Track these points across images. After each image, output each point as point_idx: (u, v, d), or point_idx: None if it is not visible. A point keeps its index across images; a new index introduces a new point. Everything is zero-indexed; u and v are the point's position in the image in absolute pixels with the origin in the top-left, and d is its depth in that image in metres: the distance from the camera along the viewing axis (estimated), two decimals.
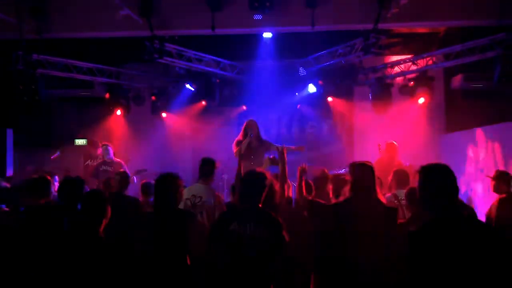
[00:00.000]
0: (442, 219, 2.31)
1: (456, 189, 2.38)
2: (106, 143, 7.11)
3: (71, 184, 3.91)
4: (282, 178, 4.24)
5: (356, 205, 3.30)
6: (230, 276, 3.15)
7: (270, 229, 3.14)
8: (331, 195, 4.13)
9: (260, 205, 3.30)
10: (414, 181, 6.32)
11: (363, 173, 3.36)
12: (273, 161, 4.41)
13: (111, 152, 7.08)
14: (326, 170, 4.96)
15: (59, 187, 4.01)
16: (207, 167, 4.61)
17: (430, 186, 2.39)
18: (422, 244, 2.26)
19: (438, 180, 2.39)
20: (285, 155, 4.39)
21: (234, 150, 5.96)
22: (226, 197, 7.91)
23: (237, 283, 3.12)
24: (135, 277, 3.19)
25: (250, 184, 3.36)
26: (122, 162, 6.94)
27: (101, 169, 6.87)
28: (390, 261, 3.08)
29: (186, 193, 4.34)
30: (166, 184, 3.47)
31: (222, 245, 3.19)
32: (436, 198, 2.35)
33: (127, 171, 6.04)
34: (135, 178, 6.58)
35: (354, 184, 3.37)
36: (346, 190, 3.45)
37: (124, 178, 5.02)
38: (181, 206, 4.35)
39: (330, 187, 4.35)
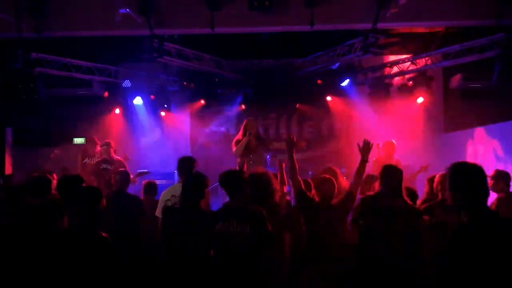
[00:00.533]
0: (479, 219, 2.29)
1: (487, 189, 2.37)
2: (107, 141, 7.08)
3: (69, 182, 3.91)
4: (282, 180, 4.24)
5: (385, 202, 3.51)
6: (224, 275, 3.21)
7: (252, 224, 3.20)
8: (315, 194, 4.04)
9: (242, 202, 3.34)
10: (412, 180, 6.33)
11: (392, 174, 3.66)
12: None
13: (112, 150, 7.04)
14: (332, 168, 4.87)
15: (58, 185, 4.01)
16: (185, 166, 4.49)
17: (465, 185, 2.35)
18: (463, 244, 2.25)
19: (473, 179, 2.35)
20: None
21: (233, 149, 5.96)
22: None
23: (231, 280, 3.18)
24: (140, 276, 3.20)
25: (225, 182, 3.43)
26: (123, 160, 6.91)
27: (101, 167, 6.83)
28: (418, 257, 3.28)
29: (166, 194, 4.27)
30: (194, 183, 3.51)
31: (213, 246, 3.28)
32: (470, 198, 2.32)
33: (128, 169, 6.02)
34: (137, 179, 6.56)
35: (382, 182, 3.65)
36: (376, 186, 3.82)
37: (125, 177, 5.00)
38: (161, 207, 4.27)
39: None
